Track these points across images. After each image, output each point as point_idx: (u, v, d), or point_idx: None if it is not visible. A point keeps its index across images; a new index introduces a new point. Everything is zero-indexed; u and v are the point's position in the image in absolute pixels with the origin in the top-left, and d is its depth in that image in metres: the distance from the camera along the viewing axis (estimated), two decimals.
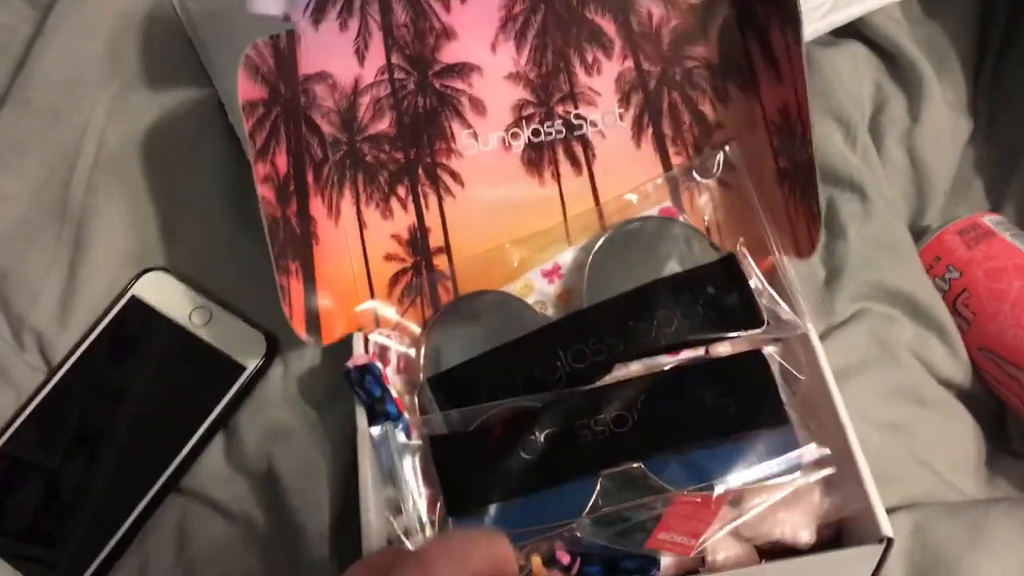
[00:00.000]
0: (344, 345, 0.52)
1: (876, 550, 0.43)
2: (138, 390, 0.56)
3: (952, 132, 0.63)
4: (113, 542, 0.52)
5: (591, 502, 0.44)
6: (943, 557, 0.49)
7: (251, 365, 0.56)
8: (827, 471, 0.45)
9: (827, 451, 0.46)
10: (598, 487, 0.44)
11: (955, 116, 0.64)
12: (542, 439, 0.46)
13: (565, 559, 0.44)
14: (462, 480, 0.46)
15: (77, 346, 0.57)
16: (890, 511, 0.49)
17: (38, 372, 0.57)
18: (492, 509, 0.45)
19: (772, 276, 0.51)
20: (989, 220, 0.58)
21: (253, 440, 0.55)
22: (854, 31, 0.64)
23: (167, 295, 0.58)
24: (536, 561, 0.44)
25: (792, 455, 0.45)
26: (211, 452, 0.56)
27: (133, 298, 0.58)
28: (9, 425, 0.55)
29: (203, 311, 0.57)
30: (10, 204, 0.59)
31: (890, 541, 0.43)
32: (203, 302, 0.58)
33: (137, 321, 0.57)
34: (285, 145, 0.50)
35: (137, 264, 0.59)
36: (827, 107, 0.61)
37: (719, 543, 0.45)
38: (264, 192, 0.48)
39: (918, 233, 0.61)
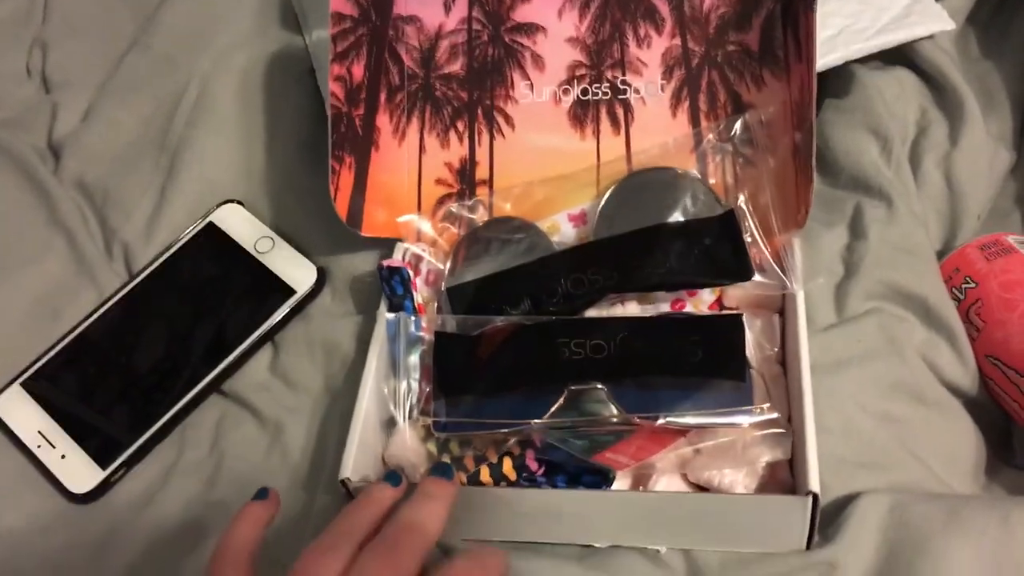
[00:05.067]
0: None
1: (803, 503, 0.45)
2: (201, 301, 0.63)
3: (990, 160, 0.65)
4: (156, 427, 0.59)
5: (552, 409, 0.48)
6: (916, 536, 0.49)
7: (301, 290, 0.62)
8: (775, 430, 0.49)
9: (776, 414, 0.49)
10: (561, 399, 0.49)
11: (995, 146, 0.66)
12: (528, 351, 0.51)
13: (534, 466, 0.48)
14: (452, 371, 0.52)
15: (155, 259, 0.65)
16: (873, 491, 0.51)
17: (120, 278, 0.65)
18: (471, 400, 0.50)
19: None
20: (1012, 239, 0.60)
21: (295, 354, 0.61)
22: (905, 59, 0.68)
23: (239, 224, 0.65)
24: (507, 462, 0.49)
25: (743, 410, 0.48)
26: (257, 363, 0.62)
27: (210, 223, 0.66)
28: (87, 318, 0.63)
29: (267, 240, 0.64)
30: (122, 132, 0.69)
31: (816, 497, 0.45)
32: (268, 233, 0.65)
33: (210, 243, 0.65)
34: (365, 61, 0.59)
35: (219, 194, 0.67)
36: (866, 121, 0.64)
37: (662, 477, 0.49)
38: (334, 88, 0.57)
39: (948, 253, 0.63)
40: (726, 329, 0.51)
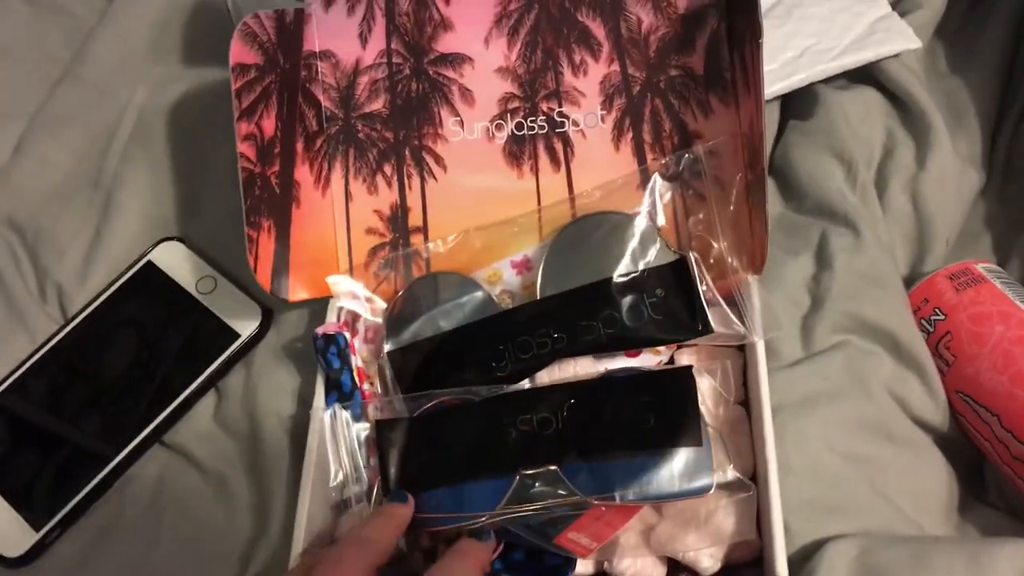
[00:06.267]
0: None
1: None
2: (139, 347, 0.60)
3: (958, 182, 0.63)
4: (93, 484, 0.56)
5: (507, 497, 0.46)
6: None
7: (245, 333, 0.59)
8: (740, 495, 0.46)
9: (738, 474, 0.47)
10: (515, 484, 0.46)
11: (964, 167, 0.64)
12: (473, 434, 0.48)
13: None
14: (398, 464, 0.49)
15: (91, 302, 0.62)
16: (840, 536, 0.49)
17: (55, 322, 0.62)
18: (420, 491, 0.48)
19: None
20: (982, 267, 0.58)
21: (239, 403, 0.58)
22: (870, 78, 0.65)
23: (179, 263, 0.62)
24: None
25: (702, 479, 0.45)
26: (200, 412, 0.59)
27: (148, 263, 0.62)
28: (20, 366, 0.60)
29: (208, 280, 0.61)
30: (54, 169, 0.66)
31: None
32: (210, 272, 0.62)
33: (148, 284, 0.62)
34: (275, 111, 0.55)
35: (157, 232, 0.64)
36: (830, 145, 0.62)
37: (627, 549, 0.47)
38: (244, 149, 0.53)
39: (916, 279, 0.61)
40: (677, 386, 0.48)
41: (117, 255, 0.63)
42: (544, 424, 0.48)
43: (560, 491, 0.46)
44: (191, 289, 0.61)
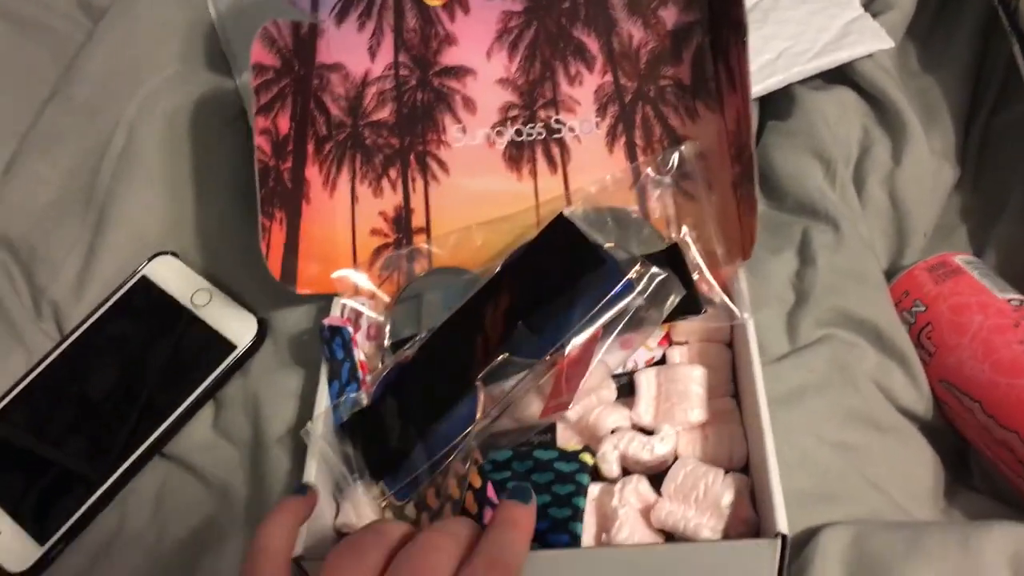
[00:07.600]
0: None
1: (772, 545, 0.44)
2: (137, 361, 0.61)
3: (934, 177, 0.65)
4: (95, 497, 0.56)
5: (479, 408, 0.48)
6: (878, 565, 0.49)
7: (242, 344, 0.60)
8: (673, 297, 0.49)
9: (654, 268, 0.49)
10: (480, 394, 0.48)
11: (939, 162, 0.65)
12: (427, 376, 0.50)
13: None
14: (376, 448, 0.51)
15: (87, 318, 0.62)
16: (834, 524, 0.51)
17: (51, 339, 0.62)
18: (406, 460, 0.49)
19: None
20: (959, 259, 0.60)
21: (238, 412, 0.59)
22: (845, 77, 0.67)
23: (173, 277, 0.63)
24: (469, 497, 0.47)
25: (623, 285, 0.47)
26: (199, 423, 0.60)
27: (143, 278, 0.63)
28: (18, 384, 0.60)
29: (204, 293, 0.62)
30: (45, 187, 0.66)
31: (785, 538, 0.44)
32: (205, 285, 0.62)
33: (144, 299, 0.63)
34: (290, 112, 0.58)
35: (151, 247, 0.64)
36: (809, 145, 0.64)
37: (625, 523, 0.47)
38: (260, 142, 0.55)
39: (896, 272, 0.62)
40: (558, 232, 0.50)
41: (111, 271, 0.64)
42: (476, 329, 0.50)
43: (520, 371, 0.48)
44: (186, 302, 0.62)
